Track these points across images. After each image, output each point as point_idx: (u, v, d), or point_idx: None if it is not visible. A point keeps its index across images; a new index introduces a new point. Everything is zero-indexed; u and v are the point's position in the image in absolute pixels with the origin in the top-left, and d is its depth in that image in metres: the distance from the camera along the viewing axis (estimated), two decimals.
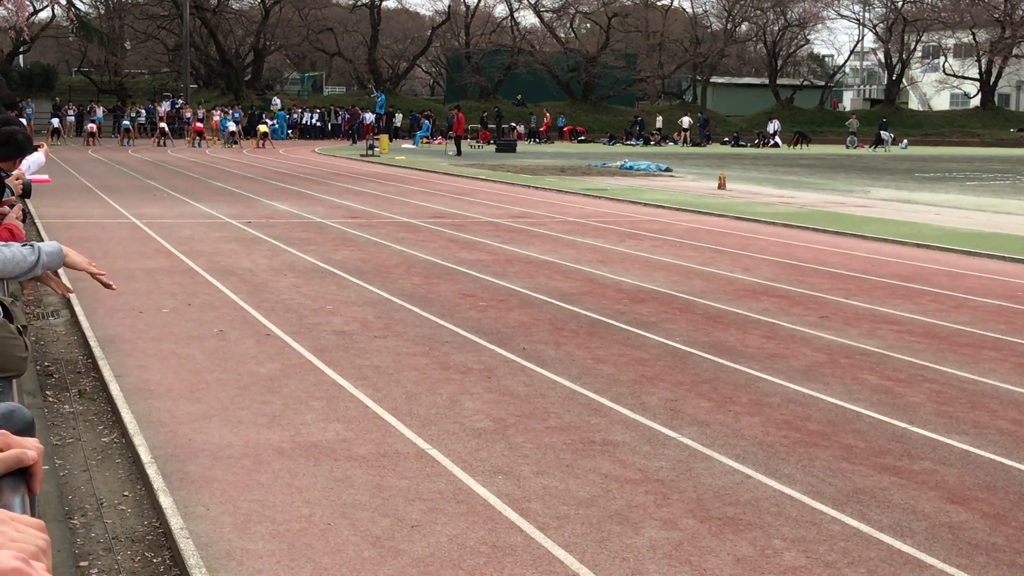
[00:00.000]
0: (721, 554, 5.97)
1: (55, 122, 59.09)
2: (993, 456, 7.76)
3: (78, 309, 12.31)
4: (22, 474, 1.87)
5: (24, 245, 4.20)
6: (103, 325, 11.64)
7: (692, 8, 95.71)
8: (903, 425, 8.48)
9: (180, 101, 68.66)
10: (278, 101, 76.90)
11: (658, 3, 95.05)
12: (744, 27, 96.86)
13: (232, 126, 59.25)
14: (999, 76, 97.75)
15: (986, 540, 6.25)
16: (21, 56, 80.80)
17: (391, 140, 60.39)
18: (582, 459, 7.50)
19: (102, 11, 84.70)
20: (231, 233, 20.10)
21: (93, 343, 10.71)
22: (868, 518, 6.53)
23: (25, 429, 2.03)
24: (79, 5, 76.15)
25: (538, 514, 6.47)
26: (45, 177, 15.03)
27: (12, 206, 6.31)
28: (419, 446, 7.73)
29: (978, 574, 5.78)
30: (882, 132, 75.19)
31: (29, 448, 1.87)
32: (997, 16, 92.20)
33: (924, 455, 7.76)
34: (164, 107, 66.22)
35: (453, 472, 7.19)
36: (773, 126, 79.64)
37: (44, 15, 77.60)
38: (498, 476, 7.13)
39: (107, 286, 4.75)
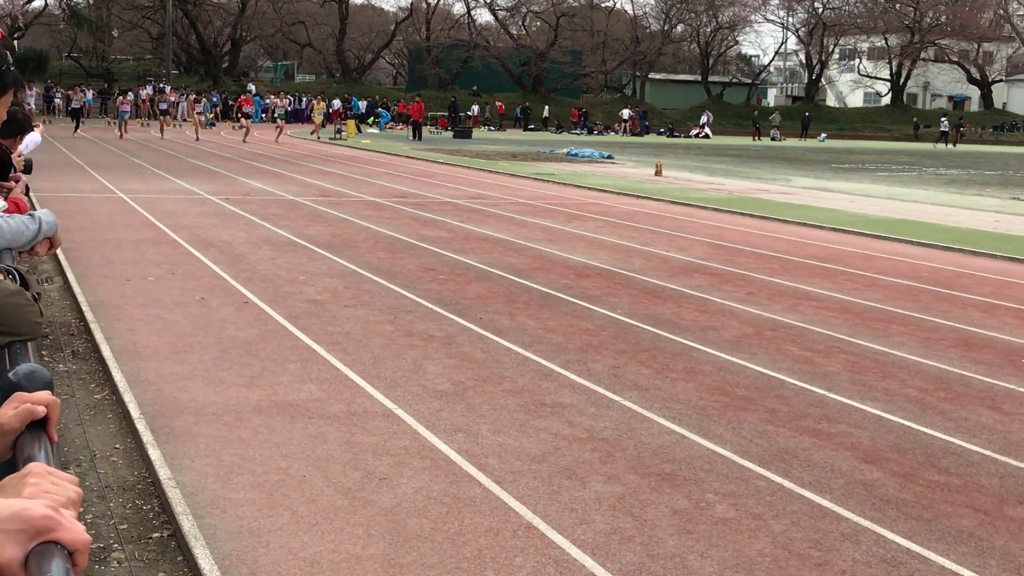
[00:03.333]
0: (660, 506, 6.01)
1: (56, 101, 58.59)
2: (902, 421, 7.85)
3: (70, 276, 12.22)
4: (41, 426, 1.89)
5: (25, 216, 4.16)
6: (94, 291, 11.54)
7: (633, 10, 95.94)
8: (822, 392, 8.56)
9: (163, 85, 67.82)
10: (253, 87, 76.40)
11: (602, 4, 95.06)
12: (680, 28, 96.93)
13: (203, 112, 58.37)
14: (907, 77, 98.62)
15: (896, 496, 6.33)
16: (16, 42, 79.71)
17: (358, 129, 60.11)
18: (534, 419, 7.53)
19: (91, 1, 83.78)
20: (210, 208, 19.96)
21: (85, 308, 10.62)
22: (791, 475, 6.60)
23: (44, 387, 2.04)
24: None
25: (495, 469, 6.49)
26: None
27: (18, 181, 6.23)
28: (386, 406, 7.73)
29: (889, 527, 5.85)
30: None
31: (39, 403, 1.89)
32: (907, 23, 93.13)
33: (841, 419, 7.84)
34: (147, 91, 65.51)
35: (417, 430, 7.20)
36: (707, 119, 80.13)
37: (37, 3, 76.63)
38: (458, 434, 7.15)
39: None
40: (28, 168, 7.63)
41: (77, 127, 48.03)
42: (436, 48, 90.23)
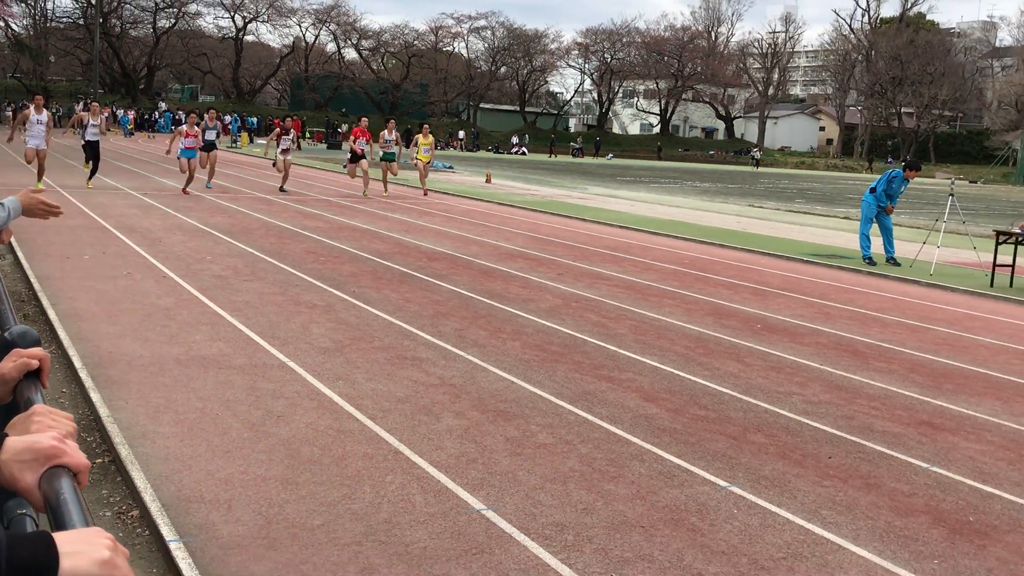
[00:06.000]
0: (496, 435, 6.08)
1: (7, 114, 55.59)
2: (673, 370, 8.06)
3: (20, 254, 11.67)
4: (35, 375, 1.86)
5: None
6: (39, 266, 11.05)
7: (468, 54, 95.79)
8: (613, 348, 8.73)
9: (91, 102, 65.18)
10: (163, 104, 74.26)
11: (444, 49, 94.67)
12: (503, 69, 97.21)
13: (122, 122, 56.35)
14: (672, 112, 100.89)
15: (669, 426, 6.50)
16: None
17: (250, 139, 58.72)
18: (398, 369, 7.52)
19: (32, 32, 79.99)
20: (132, 201, 19.26)
21: (33, 280, 10.17)
22: (593, 411, 6.73)
23: (33, 343, 1.98)
24: (14, 27, 72.06)
25: (368, 408, 6.47)
26: None
27: None
28: (280, 359, 7.62)
29: (664, 449, 6.01)
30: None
31: (34, 357, 1.86)
32: (672, 72, 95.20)
33: (628, 369, 8.01)
34: (79, 107, 62.90)
35: (306, 378, 7.12)
36: (518, 139, 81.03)
37: None
38: (339, 381, 7.09)
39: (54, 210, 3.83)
40: None
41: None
42: (313, 77, 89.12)
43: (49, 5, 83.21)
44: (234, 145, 52.24)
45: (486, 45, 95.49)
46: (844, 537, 4.81)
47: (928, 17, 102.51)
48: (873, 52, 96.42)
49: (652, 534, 4.70)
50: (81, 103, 64.50)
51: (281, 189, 24.67)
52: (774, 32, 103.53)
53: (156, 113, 69.69)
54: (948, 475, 5.83)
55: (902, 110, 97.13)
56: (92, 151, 21.74)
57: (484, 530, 4.62)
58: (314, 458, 5.45)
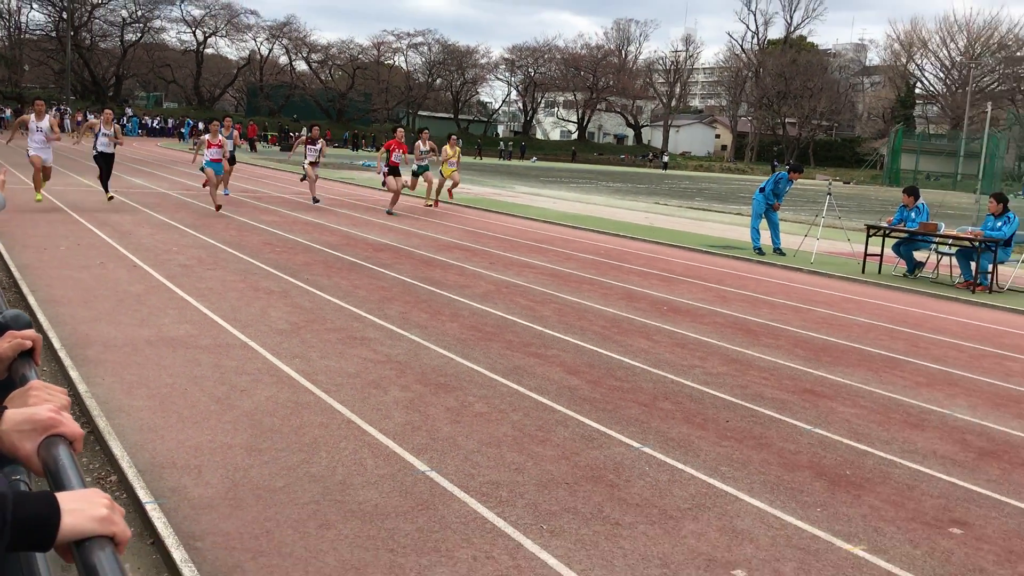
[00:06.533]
0: (437, 405, 6.07)
1: None
2: (592, 347, 8.12)
3: (0, 246, 11.31)
4: (28, 355, 1.83)
5: None
6: (19, 256, 10.72)
7: (407, 67, 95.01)
8: (540, 328, 8.75)
9: (65, 108, 63.20)
10: (130, 111, 72.53)
11: (386, 62, 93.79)
12: (439, 81, 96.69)
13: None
14: (588, 121, 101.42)
15: (589, 395, 6.55)
16: None
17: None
18: (349, 348, 7.46)
19: (7, 43, 77.34)
20: (104, 198, 18.78)
21: (13, 268, 9.87)
22: (523, 383, 6.74)
23: (25, 326, 1.94)
24: None
25: (323, 382, 6.41)
26: None
27: None
28: (242, 340, 7.51)
29: (586, 416, 6.05)
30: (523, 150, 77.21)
31: (27, 338, 1.83)
32: (588, 85, 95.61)
33: (553, 346, 8.03)
34: (52, 113, 61.00)
35: (266, 356, 7.03)
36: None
37: None
38: (296, 359, 7.01)
39: None
40: None
41: None
42: (267, 87, 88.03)
43: (23, 19, 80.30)
44: (195, 147, 51.27)
45: (423, 59, 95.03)
46: (740, 490, 4.91)
47: (809, 39, 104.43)
48: (761, 69, 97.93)
49: (576, 490, 4.74)
50: (54, 108, 62.68)
51: (314, 200, 20.68)
52: (676, 51, 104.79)
53: (124, 118, 67.93)
54: (828, 435, 5.98)
55: (786, 120, 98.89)
56: (105, 164, 17.90)
57: (428, 489, 4.62)
58: (275, 427, 5.39)
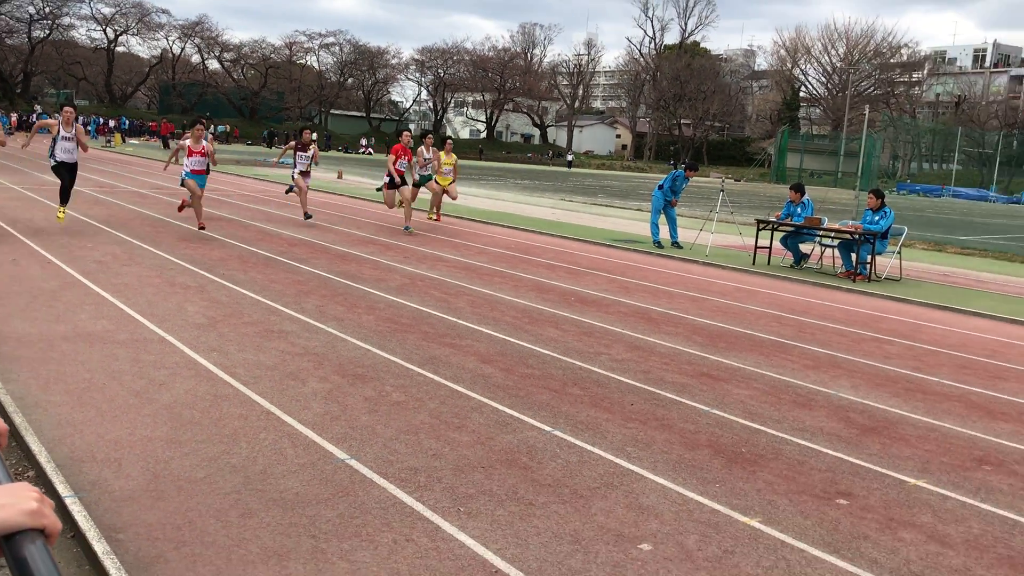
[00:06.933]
0: (355, 395, 6.01)
1: None
2: (504, 336, 8.14)
3: None
4: None
5: None
6: None
7: (319, 66, 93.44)
8: (454, 319, 8.75)
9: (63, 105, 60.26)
10: (39, 108, 69.45)
11: (298, 62, 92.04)
12: (351, 80, 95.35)
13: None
14: (496, 120, 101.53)
15: (503, 383, 6.58)
16: None
17: (123, 140, 55.60)
18: (267, 341, 7.33)
19: None
20: (14, 195, 17.97)
21: None
22: (439, 372, 6.73)
23: None
24: None
25: (241, 375, 6.28)
26: None
27: None
28: (160, 334, 7.30)
29: (499, 402, 6.07)
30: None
31: None
32: (496, 86, 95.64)
33: (467, 336, 8.04)
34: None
35: (184, 350, 6.85)
36: (367, 141, 79.77)
37: None
38: (213, 352, 6.85)
39: None
40: None
41: None
42: (179, 85, 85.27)
43: None
44: (108, 145, 49.36)
45: (335, 59, 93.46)
46: (645, 468, 5.01)
47: (702, 45, 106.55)
48: (658, 73, 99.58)
49: (491, 473, 4.76)
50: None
51: (306, 216, 16.59)
52: (579, 55, 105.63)
53: (34, 115, 65.06)
54: (724, 416, 6.15)
55: (682, 121, 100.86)
56: (69, 175, 13.70)
57: (348, 476, 4.58)
58: (195, 420, 5.27)
